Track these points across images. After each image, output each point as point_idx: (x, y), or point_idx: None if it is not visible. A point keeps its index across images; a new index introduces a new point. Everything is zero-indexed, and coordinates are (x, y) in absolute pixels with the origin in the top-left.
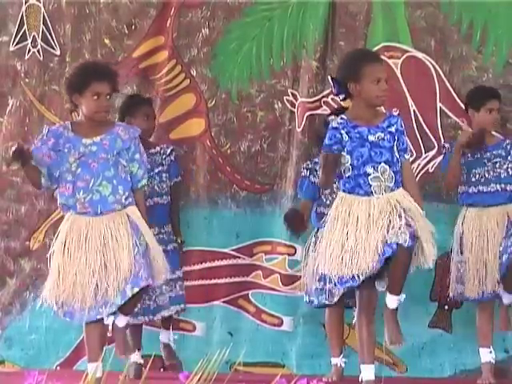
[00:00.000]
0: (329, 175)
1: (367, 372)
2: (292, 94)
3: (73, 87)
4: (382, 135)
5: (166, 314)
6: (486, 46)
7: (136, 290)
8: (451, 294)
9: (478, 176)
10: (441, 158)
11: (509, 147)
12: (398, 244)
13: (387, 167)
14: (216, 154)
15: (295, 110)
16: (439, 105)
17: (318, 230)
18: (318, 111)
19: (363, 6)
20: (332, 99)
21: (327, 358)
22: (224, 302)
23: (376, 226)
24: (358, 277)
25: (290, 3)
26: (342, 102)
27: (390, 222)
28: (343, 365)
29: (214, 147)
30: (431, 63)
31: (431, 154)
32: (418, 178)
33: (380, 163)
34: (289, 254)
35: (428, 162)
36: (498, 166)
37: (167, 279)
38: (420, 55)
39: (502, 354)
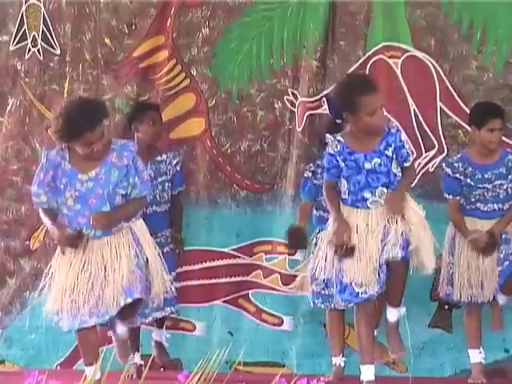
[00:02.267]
0: (334, 200)
1: (367, 372)
2: (292, 93)
3: (63, 140)
4: (379, 161)
5: (159, 315)
6: (486, 45)
7: (129, 300)
8: (440, 295)
9: (477, 196)
10: (441, 157)
11: (510, 164)
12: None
13: (385, 189)
14: (216, 154)
15: (295, 110)
16: (439, 104)
17: (319, 230)
18: (319, 111)
19: (363, 6)
20: None
21: (327, 358)
22: (224, 301)
23: (373, 235)
24: (358, 293)
25: (290, 3)
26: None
27: (387, 233)
28: (343, 364)
29: (214, 147)
30: (431, 63)
31: (431, 153)
32: (418, 177)
33: (377, 187)
34: (289, 254)
35: (428, 162)
36: (498, 187)
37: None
38: (420, 55)
39: (501, 353)
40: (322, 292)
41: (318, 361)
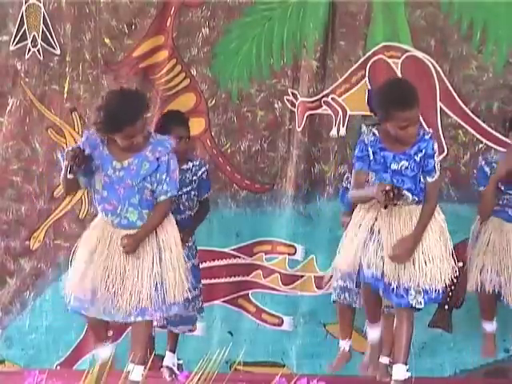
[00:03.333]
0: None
1: (397, 371)
2: (292, 93)
3: (103, 132)
4: (406, 164)
5: (173, 330)
6: (486, 45)
7: (139, 319)
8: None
9: (506, 201)
10: (441, 157)
11: None
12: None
13: (409, 194)
14: (216, 154)
15: (295, 110)
16: (439, 104)
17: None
18: (319, 111)
19: (363, 6)
20: (332, 99)
21: (327, 358)
22: (224, 301)
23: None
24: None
25: (289, 3)
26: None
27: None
28: (348, 348)
29: (214, 147)
30: (431, 63)
31: None
32: None
33: None
34: (289, 254)
35: None
36: None
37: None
38: (420, 55)
39: (502, 353)
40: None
41: (318, 361)
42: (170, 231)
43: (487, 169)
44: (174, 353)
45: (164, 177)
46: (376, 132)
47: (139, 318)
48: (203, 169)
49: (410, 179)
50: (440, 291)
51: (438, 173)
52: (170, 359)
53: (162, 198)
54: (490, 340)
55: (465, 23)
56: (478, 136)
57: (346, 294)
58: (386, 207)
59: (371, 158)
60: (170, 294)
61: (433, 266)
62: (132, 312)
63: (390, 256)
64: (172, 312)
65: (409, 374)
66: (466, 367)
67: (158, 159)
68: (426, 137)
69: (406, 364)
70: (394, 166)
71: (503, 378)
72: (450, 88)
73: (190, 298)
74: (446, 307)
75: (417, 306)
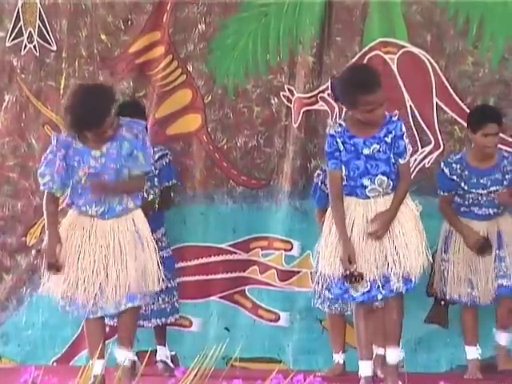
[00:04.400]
0: (336, 194)
1: (364, 368)
2: (288, 89)
3: (73, 132)
4: (378, 147)
5: (146, 324)
6: (482, 41)
7: (130, 305)
8: (436, 291)
9: (471, 200)
10: (437, 153)
11: (505, 169)
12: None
13: (385, 178)
14: (212, 150)
15: (292, 106)
16: (435, 100)
17: None
18: (315, 106)
19: (359, 2)
20: (328, 95)
21: (324, 354)
22: (220, 297)
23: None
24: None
25: None
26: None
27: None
28: (342, 361)
29: (210, 143)
30: (427, 58)
31: (427, 149)
32: (414, 173)
33: (377, 175)
34: (285, 250)
35: (424, 157)
36: (492, 193)
37: (163, 288)
38: (416, 50)
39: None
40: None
41: (315, 356)
42: (143, 219)
43: (446, 170)
44: (164, 346)
45: (139, 153)
46: (342, 122)
47: (130, 304)
48: (160, 153)
49: (383, 162)
50: (414, 280)
51: (408, 153)
52: (162, 352)
53: (137, 172)
54: (502, 353)
55: (461, 19)
56: None
57: (336, 305)
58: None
59: (341, 148)
60: (150, 281)
61: (409, 253)
62: (121, 301)
63: (369, 232)
64: (146, 301)
65: (403, 355)
66: (461, 363)
67: (136, 136)
68: (394, 118)
69: (398, 346)
70: (365, 151)
71: (499, 374)
72: (446, 83)
73: (164, 288)
74: (442, 303)
75: (400, 290)
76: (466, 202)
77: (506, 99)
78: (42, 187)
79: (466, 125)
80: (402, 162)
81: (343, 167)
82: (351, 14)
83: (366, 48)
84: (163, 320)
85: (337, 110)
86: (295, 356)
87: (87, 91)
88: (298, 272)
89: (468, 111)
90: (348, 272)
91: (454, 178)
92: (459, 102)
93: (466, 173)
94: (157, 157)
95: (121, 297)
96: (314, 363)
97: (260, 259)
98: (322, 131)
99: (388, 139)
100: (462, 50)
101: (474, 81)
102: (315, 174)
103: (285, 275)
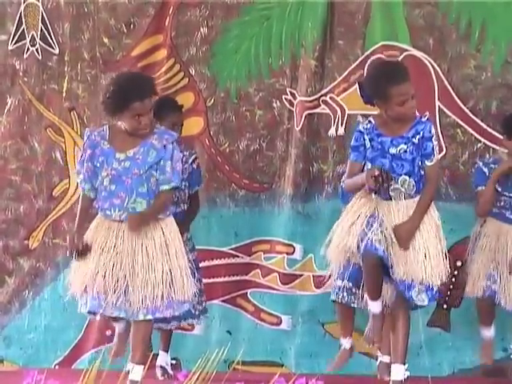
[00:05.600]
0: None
1: (374, 306)
2: (290, 92)
3: (111, 110)
4: (405, 147)
5: (164, 327)
6: (484, 44)
7: (149, 317)
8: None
9: (503, 203)
10: (440, 156)
11: None
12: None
13: (407, 178)
14: (214, 153)
15: (294, 109)
16: (438, 103)
17: None
18: (317, 110)
19: (362, 5)
20: (331, 98)
21: (326, 357)
22: (223, 301)
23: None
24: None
25: (288, 2)
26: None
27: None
28: (348, 346)
29: (212, 146)
30: (430, 62)
31: None
32: None
33: (401, 175)
34: (288, 253)
35: None
36: None
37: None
38: (419, 54)
39: (500, 352)
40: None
41: (317, 360)
42: (174, 228)
43: (485, 169)
44: (167, 352)
45: (167, 166)
46: (372, 119)
47: (149, 316)
48: (193, 157)
49: (408, 163)
50: (436, 290)
51: (436, 155)
52: (163, 358)
53: (165, 187)
54: (487, 346)
55: (463, 22)
56: (477, 135)
57: (345, 294)
58: (375, 192)
59: (368, 145)
60: (179, 291)
61: (430, 263)
62: (141, 310)
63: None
64: (182, 310)
65: (408, 374)
66: (464, 366)
67: (164, 147)
68: (423, 119)
69: (404, 364)
70: (392, 151)
71: (502, 378)
72: (449, 87)
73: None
74: (445, 306)
75: (419, 304)
76: (498, 204)
77: (508, 103)
78: (79, 185)
79: (468, 128)
80: (428, 163)
81: (368, 164)
82: (353, 17)
83: (369, 51)
84: (181, 323)
85: (339, 113)
86: (297, 359)
87: (131, 72)
88: (301, 275)
89: (470, 115)
90: (376, 173)
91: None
92: (461, 105)
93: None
94: (184, 161)
95: (143, 305)
96: (316, 367)
97: (262, 262)
98: (324, 134)
99: (416, 140)
100: (464, 54)
101: (477, 84)
102: (343, 177)
103: (287, 278)
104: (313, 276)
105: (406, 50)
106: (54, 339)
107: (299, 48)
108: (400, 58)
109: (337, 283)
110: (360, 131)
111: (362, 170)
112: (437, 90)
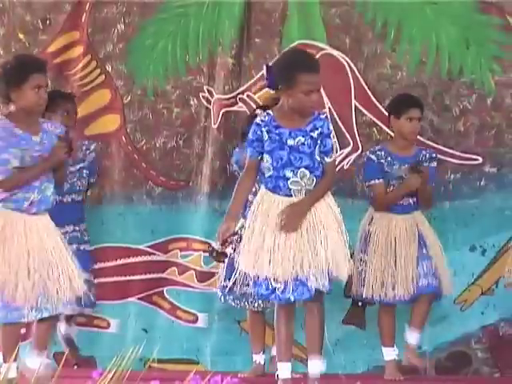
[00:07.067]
0: (241, 192)
1: (283, 370)
2: (208, 90)
3: (10, 81)
4: (303, 140)
5: (72, 312)
6: (399, 44)
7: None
8: (353, 292)
9: (391, 188)
10: (356, 154)
11: (424, 158)
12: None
13: (307, 172)
14: (131, 150)
15: (211, 107)
16: (354, 102)
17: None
18: (234, 108)
19: (279, 4)
20: (248, 96)
21: (242, 355)
22: (139, 298)
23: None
24: (273, 289)
25: (205, 1)
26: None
27: (306, 232)
28: (263, 362)
29: (129, 143)
30: (346, 61)
31: (346, 150)
32: None
33: (300, 168)
34: (204, 251)
35: (343, 159)
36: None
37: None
38: (335, 53)
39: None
40: (234, 289)
41: (233, 358)
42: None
43: (373, 156)
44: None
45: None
46: (270, 112)
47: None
48: (94, 145)
49: (307, 156)
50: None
51: (334, 151)
52: (68, 328)
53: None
54: (409, 347)
55: (379, 22)
56: (392, 134)
57: (260, 302)
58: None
59: (266, 138)
60: (75, 286)
61: (332, 255)
62: (59, 303)
63: (281, 225)
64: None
65: (324, 367)
66: (378, 364)
67: (58, 137)
68: (322, 116)
69: (321, 355)
70: (290, 142)
71: (414, 374)
72: (365, 86)
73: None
74: (360, 304)
75: (322, 289)
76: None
77: (423, 102)
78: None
79: (383, 127)
80: (327, 160)
81: (267, 156)
82: (270, 15)
83: (285, 50)
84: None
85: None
86: (213, 357)
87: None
88: (217, 273)
89: (386, 113)
90: (211, 248)
91: (382, 161)
92: (377, 104)
93: (389, 159)
94: (85, 148)
95: (59, 300)
96: (232, 364)
97: (179, 260)
98: (240, 132)
99: (314, 134)
100: (380, 54)
101: (392, 83)
102: None
103: (204, 276)
104: None
105: (323, 49)
106: None
107: (216, 46)
108: (317, 57)
109: (245, 290)
110: (257, 124)
111: (257, 167)
112: (353, 89)
